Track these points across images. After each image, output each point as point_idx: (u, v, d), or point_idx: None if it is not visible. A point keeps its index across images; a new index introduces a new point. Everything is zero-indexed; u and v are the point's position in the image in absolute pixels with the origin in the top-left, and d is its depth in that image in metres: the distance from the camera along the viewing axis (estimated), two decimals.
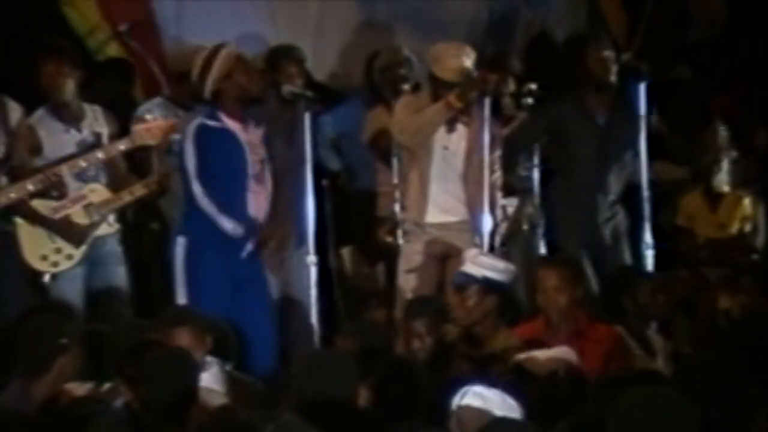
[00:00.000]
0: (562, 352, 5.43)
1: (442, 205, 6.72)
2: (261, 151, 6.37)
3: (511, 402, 4.52)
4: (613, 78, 6.89)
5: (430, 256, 6.71)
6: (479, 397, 4.50)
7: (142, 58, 7.84)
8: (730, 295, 6.83)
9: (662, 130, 7.62)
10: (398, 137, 6.77)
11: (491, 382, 4.61)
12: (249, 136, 6.36)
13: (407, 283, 6.71)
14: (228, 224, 6.26)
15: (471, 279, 5.89)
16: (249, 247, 6.30)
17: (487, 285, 5.87)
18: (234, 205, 6.29)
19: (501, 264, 5.99)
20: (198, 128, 6.34)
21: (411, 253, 6.74)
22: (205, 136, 6.31)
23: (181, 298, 6.29)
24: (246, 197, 6.31)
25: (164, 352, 5.03)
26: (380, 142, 7.30)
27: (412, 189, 6.77)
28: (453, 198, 6.73)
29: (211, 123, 6.35)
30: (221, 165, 6.29)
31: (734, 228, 7.72)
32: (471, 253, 6.09)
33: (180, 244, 6.29)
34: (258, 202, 6.33)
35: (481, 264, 5.92)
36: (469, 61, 6.70)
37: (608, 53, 6.94)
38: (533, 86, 7.05)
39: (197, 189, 6.27)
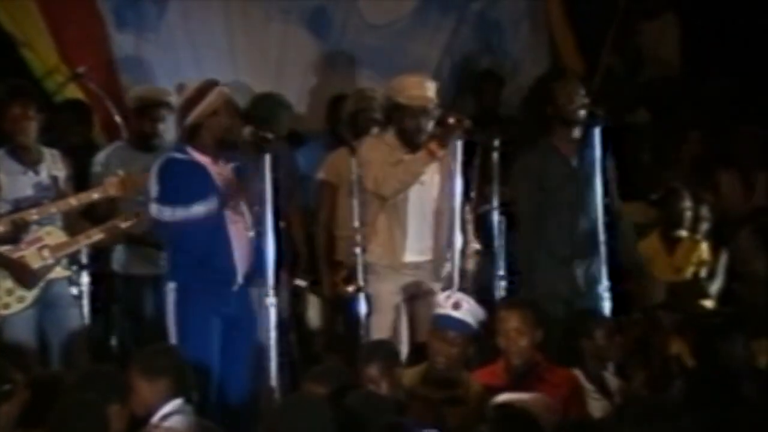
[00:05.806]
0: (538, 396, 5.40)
1: (417, 245, 6.72)
2: (234, 183, 6.31)
3: None
4: (582, 115, 6.85)
5: (403, 296, 6.69)
6: None
7: (100, 100, 7.83)
8: (682, 340, 6.84)
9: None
10: (376, 190, 6.67)
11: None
12: (219, 169, 6.33)
13: (380, 324, 6.66)
14: (204, 207, 6.14)
15: (464, 326, 5.85)
16: (239, 281, 6.24)
17: (473, 333, 5.86)
18: (213, 231, 6.23)
19: (480, 312, 5.98)
20: (165, 162, 6.33)
21: (383, 294, 6.69)
22: (174, 168, 6.27)
23: (173, 342, 6.19)
24: (224, 223, 6.23)
25: (70, 401, 4.91)
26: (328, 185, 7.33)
27: (381, 231, 6.72)
28: (427, 237, 6.73)
29: (179, 156, 6.33)
30: (193, 194, 6.20)
31: (689, 272, 7.75)
32: (463, 298, 5.99)
33: (171, 289, 6.23)
34: (238, 231, 6.26)
35: (473, 313, 5.90)
36: (431, 91, 6.75)
37: (577, 89, 6.93)
38: (452, 120, 6.90)
39: (164, 211, 6.19)
